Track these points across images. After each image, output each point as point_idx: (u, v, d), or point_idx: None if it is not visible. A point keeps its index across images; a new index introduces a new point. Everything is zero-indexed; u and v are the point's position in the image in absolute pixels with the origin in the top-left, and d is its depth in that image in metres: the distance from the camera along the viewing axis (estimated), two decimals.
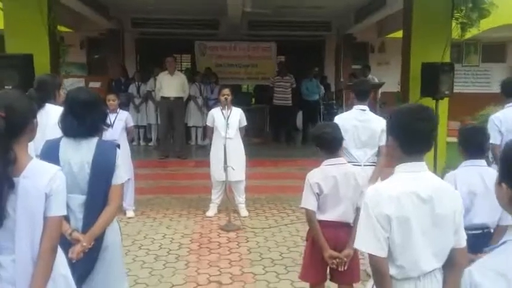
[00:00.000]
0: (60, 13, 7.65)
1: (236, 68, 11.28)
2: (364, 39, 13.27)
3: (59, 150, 2.62)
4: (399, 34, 12.29)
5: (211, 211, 5.94)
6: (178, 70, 8.32)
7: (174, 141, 8.08)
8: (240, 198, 5.95)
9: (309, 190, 2.86)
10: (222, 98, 5.73)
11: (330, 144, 2.91)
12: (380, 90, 8.73)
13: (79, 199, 2.63)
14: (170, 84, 7.70)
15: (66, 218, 2.62)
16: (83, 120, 2.61)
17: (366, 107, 4.11)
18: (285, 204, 6.52)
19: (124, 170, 2.74)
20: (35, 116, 2.00)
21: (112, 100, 5.81)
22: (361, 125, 4.03)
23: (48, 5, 6.88)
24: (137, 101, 9.31)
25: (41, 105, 3.97)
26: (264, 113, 11.32)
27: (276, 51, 11.23)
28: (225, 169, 5.49)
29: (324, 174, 2.88)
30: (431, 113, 1.90)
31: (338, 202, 2.87)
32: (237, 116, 5.81)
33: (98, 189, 2.63)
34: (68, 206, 2.66)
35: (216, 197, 5.94)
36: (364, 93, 4.14)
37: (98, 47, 12.88)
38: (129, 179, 5.82)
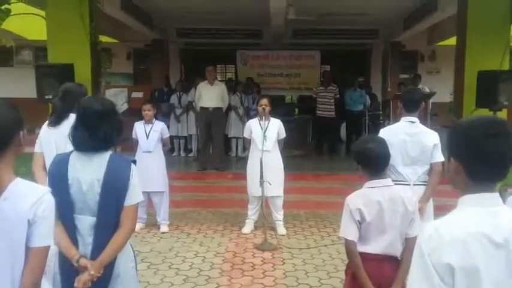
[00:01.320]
0: (104, 23, 7.59)
1: (278, 78, 10.89)
2: (413, 47, 12.59)
3: (68, 165, 2.33)
4: (451, 41, 11.57)
5: (247, 227, 5.56)
6: (219, 80, 8.03)
7: (213, 153, 7.78)
8: (278, 215, 5.54)
9: (349, 217, 2.42)
10: (260, 109, 5.37)
11: (374, 162, 2.46)
12: (431, 101, 8.07)
13: (89, 221, 2.33)
14: (209, 94, 7.43)
15: (74, 243, 2.33)
16: (95, 132, 2.31)
17: (415, 119, 3.62)
18: (326, 221, 6.04)
19: (139, 188, 2.41)
20: (21, 128, 1.69)
21: (147, 110, 5.57)
22: (410, 139, 3.54)
23: (90, 14, 6.79)
24: (178, 111, 9.11)
25: (64, 115, 3.74)
26: (307, 125, 10.91)
27: (319, 60, 10.76)
28: (261, 184, 5.10)
29: (366, 198, 2.43)
30: (507, 127, 1.42)
31: (383, 232, 2.41)
32: (275, 127, 5.43)
33: (109, 210, 2.32)
34: (76, 228, 2.37)
35: (252, 212, 5.56)
36: (414, 103, 3.65)
37: (144, 57, 12.93)
38: (163, 192, 5.57)
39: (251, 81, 9.80)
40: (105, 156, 2.34)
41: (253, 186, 5.35)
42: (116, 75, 13.49)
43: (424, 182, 3.58)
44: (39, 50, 11.85)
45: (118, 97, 8.84)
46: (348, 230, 2.42)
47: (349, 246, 2.43)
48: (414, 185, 3.51)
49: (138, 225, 5.60)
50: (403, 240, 2.44)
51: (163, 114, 9.38)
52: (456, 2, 7.11)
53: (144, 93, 9.01)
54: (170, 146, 6.15)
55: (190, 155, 9.18)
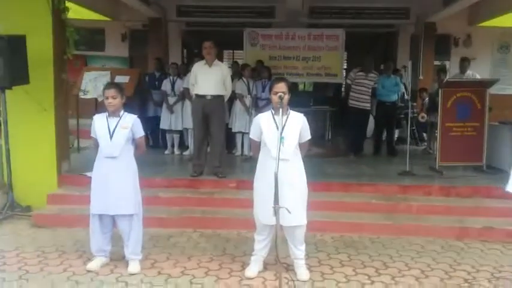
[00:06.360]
0: None
1: (294, 62, 8.91)
2: (445, 31, 10.61)
3: None
4: (493, 22, 9.61)
5: (253, 269, 3.70)
6: (220, 61, 6.12)
7: (210, 153, 5.90)
8: (298, 251, 3.68)
9: None
10: (275, 97, 3.48)
11: None
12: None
13: None
14: (207, 78, 5.53)
15: None
16: None
17: None
18: (363, 254, 4.19)
19: None
20: None
21: (111, 97, 3.69)
22: None
23: None
24: (171, 99, 7.25)
25: None
26: (324, 118, 9.08)
27: (344, 41, 8.76)
28: (277, 210, 3.24)
29: None
30: None
31: None
32: (298, 124, 3.57)
33: None
34: None
35: (260, 247, 3.71)
36: None
37: (141, 39, 11.08)
38: (133, 216, 3.74)
39: (261, 65, 7.89)
40: None
41: (263, 212, 3.49)
42: (110, 59, 11.70)
43: None
44: None
45: (99, 82, 7.01)
46: None
47: None
48: None
49: (100, 261, 3.80)
50: None
51: (154, 104, 7.58)
52: None
53: (131, 77, 7.15)
54: (146, 149, 4.26)
55: (186, 152, 7.31)
